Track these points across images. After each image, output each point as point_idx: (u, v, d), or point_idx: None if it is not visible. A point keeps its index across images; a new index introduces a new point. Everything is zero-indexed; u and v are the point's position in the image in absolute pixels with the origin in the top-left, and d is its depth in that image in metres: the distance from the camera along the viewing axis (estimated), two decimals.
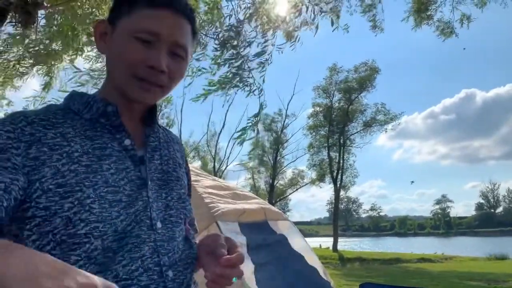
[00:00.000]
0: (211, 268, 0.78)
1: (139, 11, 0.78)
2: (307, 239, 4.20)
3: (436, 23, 8.04)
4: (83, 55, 5.22)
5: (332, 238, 26.46)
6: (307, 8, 5.25)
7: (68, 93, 0.88)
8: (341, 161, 27.64)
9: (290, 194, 33.59)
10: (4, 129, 0.70)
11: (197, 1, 5.03)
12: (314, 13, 5.26)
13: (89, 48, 5.19)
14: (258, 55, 4.78)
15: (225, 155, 30.62)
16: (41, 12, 4.82)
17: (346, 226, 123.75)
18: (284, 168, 32.02)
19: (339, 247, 26.19)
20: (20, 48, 4.99)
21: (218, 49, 4.85)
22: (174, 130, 26.56)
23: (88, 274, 0.47)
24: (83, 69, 5.34)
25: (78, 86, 4.99)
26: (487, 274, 12.15)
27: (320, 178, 28.85)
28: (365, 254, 22.81)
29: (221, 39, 4.91)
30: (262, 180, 33.37)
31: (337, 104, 28.26)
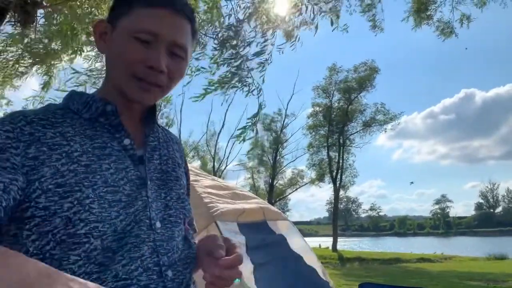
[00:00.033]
0: (210, 270, 0.78)
1: (138, 10, 0.78)
2: (307, 239, 4.20)
3: (436, 23, 8.05)
4: (83, 55, 5.21)
5: (332, 238, 26.48)
6: (307, 7, 5.25)
7: (67, 93, 0.88)
8: (341, 161, 27.67)
9: (289, 194, 33.62)
10: (3, 129, 0.70)
11: (196, 0, 5.04)
12: (313, 12, 5.26)
13: (88, 48, 5.19)
14: (257, 54, 4.78)
15: (224, 154, 30.66)
16: (40, 12, 4.82)
17: (345, 226, 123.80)
18: (284, 168, 32.07)
19: (339, 247, 26.20)
20: (20, 47, 4.99)
21: (217, 48, 4.84)
22: (174, 130, 26.60)
23: (81, 280, 0.47)
24: (81, 69, 5.35)
25: (76, 86, 4.99)
26: (486, 274, 12.16)
27: (320, 178, 28.87)
28: (364, 254, 22.82)
29: (221, 38, 4.91)
30: (261, 180, 33.40)
31: (336, 104, 28.29)
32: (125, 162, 0.78)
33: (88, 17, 4.80)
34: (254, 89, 4.67)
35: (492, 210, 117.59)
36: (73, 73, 5.04)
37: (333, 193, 28.33)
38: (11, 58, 5.18)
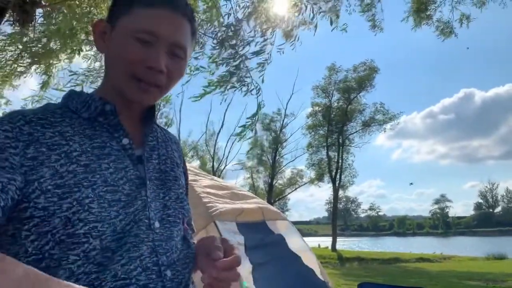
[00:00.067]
0: (208, 271, 0.78)
1: (138, 10, 0.78)
2: (306, 238, 4.21)
3: (435, 23, 8.05)
4: (81, 54, 5.21)
5: (331, 237, 26.51)
6: (306, 7, 5.25)
7: (66, 92, 0.88)
8: (340, 161, 27.71)
9: (289, 193, 33.64)
10: (2, 128, 0.70)
11: (195, 0, 5.03)
12: (313, 12, 5.26)
13: (87, 47, 5.18)
14: (256, 53, 4.78)
15: (224, 154, 30.66)
16: (39, 11, 4.81)
17: (345, 225, 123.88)
18: (283, 168, 32.11)
19: (338, 247, 26.24)
20: (19, 46, 4.98)
21: (216, 48, 4.84)
22: (173, 130, 26.61)
23: (76, 286, 0.47)
24: (79, 69, 5.34)
25: (74, 86, 4.99)
26: (485, 274, 12.18)
27: (319, 178, 28.91)
28: (363, 253, 22.86)
29: (220, 38, 4.91)
30: (261, 180, 33.43)
31: (336, 104, 28.33)
32: (124, 161, 0.78)
33: (87, 16, 4.80)
34: (253, 89, 4.67)
35: (491, 210, 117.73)
36: (71, 74, 5.04)
37: (332, 193, 28.39)
38: (10, 58, 5.18)
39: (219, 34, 4.98)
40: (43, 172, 0.69)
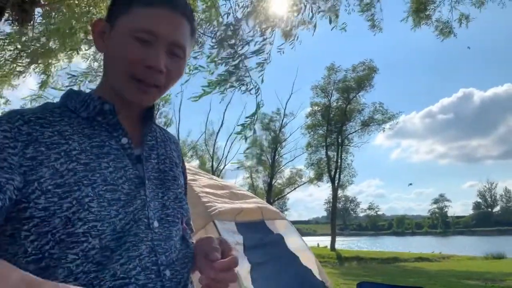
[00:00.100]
0: (206, 272, 0.78)
1: (137, 10, 0.78)
2: (305, 238, 4.21)
3: (434, 23, 8.05)
4: (80, 53, 5.21)
5: (330, 237, 26.53)
6: (305, 6, 5.24)
7: (64, 91, 0.88)
8: (339, 160, 27.71)
9: (288, 193, 33.65)
10: (1, 129, 0.69)
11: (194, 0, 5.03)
12: (312, 11, 5.26)
13: (86, 47, 5.18)
14: (255, 52, 4.78)
15: (223, 154, 30.65)
16: (38, 10, 4.81)
17: (344, 225, 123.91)
18: (282, 167, 32.11)
19: (337, 246, 26.26)
20: (18, 46, 4.98)
21: (215, 47, 4.84)
22: (172, 129, 26.58)
23: (66, 285, 0.47)
24: (78, 68, 5.34)
25: (73, 85, 4.98)
26: (484, 273, 12.19)
27: (318, 177, 28.92)
28: (362, 253, 22.88)
29: (219, 37, 4.90)
30: (260, 179, 33.43)
31: (335, 104, 28.35)
32: (123, 161, 0.78)
33: (86, 16, 4.79)
34: (252, 88, 4.67)
35: (490, 210, 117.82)
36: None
37: (331, 192, 28.38)
38: (9, 57, 5.17)
39: (218, 34, 4.98)
40: (43, 172, 0.68)
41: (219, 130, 30.60)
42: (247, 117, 4.52)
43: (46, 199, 0.67)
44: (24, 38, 4.86)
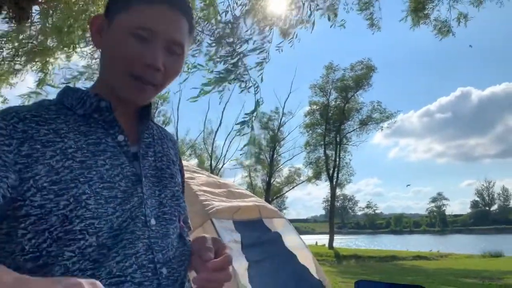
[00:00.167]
0: (200, 272, 0.78)
1: (136, 6, 0.77)
2: (304, 236, 4.22)
3: (433, 22, 8.05)
4: (77, 50, 5.18)
5: (328, 235, 26.56)
6: (303, 4, 5.23)
7: (61, 89, 0.87)
8: (337, 159, 27.75)
9: (286, 192, 33.68)
10: None
11: None
12: (310, 9, 5.25)
13: (82, 44, 5.15)
14: (254, 50, 4.77)
15: (221, 153, 30.65)
16: (35, 8, 4.79)
17: (342, 223, 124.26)
18: (281, 166, 32.13)
19: (335, 245, 26.30)
20: (15, 44, 4.96)
21: (213, 45, 4.83)
22: (171, 128, 26.58)
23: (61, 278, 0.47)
24: (75, 65, 5.32)
25: (68, 82, 4.97)
26: (482, 272, 12.24)
27: (317, 176, 28.96)
28: (360, 251, 22.91)
29: (217, 35, 4.89)
30: (259, 178, 33.45)
31: (333, 103, 28.38)
32: (120, 158, 0.78)
33: (84, 13, 4.78)
34: (250, 86, 4.66)
35: (487, 208, 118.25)
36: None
37: (329, 191, 28.41)
38: (7, 55, 5.15)
39: (216, 32, 4.97)
40: (38, 170, 0.68)
41: (217, 129, 30.57)
42: (246, 114, 4.50)
43: (41, 197, 0.67)
44: (22, 36, 4.84)
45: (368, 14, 7.82)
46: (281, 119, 30.45)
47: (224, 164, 30.39)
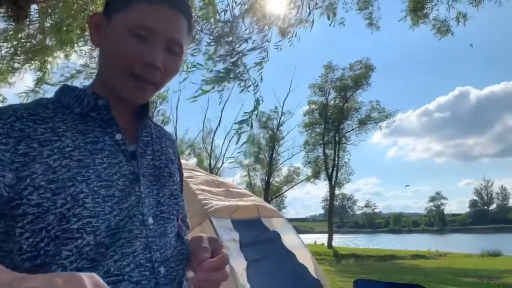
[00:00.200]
0: (196, 272, 0.78)
1: (136, 5, 0.77)
2: (302, 235, 4.22)
3: (432, 22, 8.04)
4: (76, 49, 5.18)
5: (327, 234, 26.58)
6: (302, 3, 5.23)
7: (59, 87, 0.87)
8: (336, 159, 27.76)
9: (285, 191, 33.67)
10: None
11: None
12: (309, 8, 5.24)
13: (80, 43, 5.15)
14: (254, 49, 4.76)
15: (221, 152, 30.63)
16: (34, 7, 4.78)
17: (341, 222, 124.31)
18: (280, 165, 32.12)
19: (334, 244, 26.32)
20: (14, 43, 4.95)
21: (212, 44, 4.82)
22: (170, 127, 26.56)
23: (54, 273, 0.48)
24: (73, 64, 5.31)
25: (65, 81, 4.97)
26: (480, 271, 12.26)
27: (316, 175, 28.98)
28: (359, 250, 22.93)
29: (216, 34, 4.89)
30: (258, 178, 33.45)
31: (332, 102, 28.39)
32: (117, 157, 0.78)
33: (83, 12, 4.77)
34: (250, 85, 4.65)
35: (486, 207, 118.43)
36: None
37: (328, 190, 28.43)
38: (5, 54, 5.14)
39: (215, 31, 4.96)
40: (35, 168, 0.68)
41: (216, 128, 30.58)
42: (245, 113, 4.49)
43: (39, 195, 0.67)
44: (20, 35, 4.83)
45: (367, 13, 7.81)
46: (280, 119, 30.47)
47: (223, 163, 30.40)
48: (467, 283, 9.73)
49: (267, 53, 4.92)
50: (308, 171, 29.84)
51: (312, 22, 5.34)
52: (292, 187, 32.89)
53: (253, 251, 3.07)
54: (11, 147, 0.68)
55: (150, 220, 0.78)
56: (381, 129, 28.61)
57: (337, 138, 27.79)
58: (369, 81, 27.16)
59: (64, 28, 4.65)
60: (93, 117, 0.80)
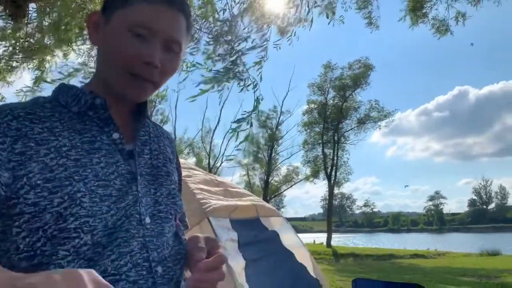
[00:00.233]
0: (192, 273, 0.78)
1: (135, 4, 0.77)
2: (302, 235, 4.23)
3: (431, 21, 8.05)
4: (75, 48, 5.17)
5: (326, 233, 26.62)
6: (301, 1, 5.22)
7: (57, 86, 0.87)
8: (335, 158, 27.80)
9: (284, 190, 33.71)
10: None
11: None
12: (308, 6, 5.24)
13: (79, 42, 5.14)
14: (253, 48, 4.76)
15: (220, 151, 30.64)
16: (32, 6, 4.77)
17: (340, 222, 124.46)
18: (279, 165, 32.14)
19: (333, 243, 26.36)
20: (12, 42, 4.94)
21: (211, 43, 4.82)
22: (169, 127, 26.54)
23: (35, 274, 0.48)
24: (71, 63, 5.31)
25: (64, 78, 4.96)
26: (479, 270, 12.29)
27: (315, 175, 29.02)
28: (358, 249, 22.97)
29: (215, 33, 4.88)
30: (257, 177, 33.48)
31: (331, 101, 28.42)
32: (115, 156, 0.78)
33: (82, 11, 4.76)
34: (249, 84, 4.65)
35: (485, 207, 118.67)
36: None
37: (327, 189, 28.47)
38: (4, 53, 5.13)
39: (214, 30, 4.96)
40: (32, 167, 0.68)
41: (215, 128, 30.64)
42: (245, 111, 4.49)
43: (35, 194, 0.66)
44: (18, 33, 4.82)
45: (366, 12, 7.82)
46: (279, 118, 30.48)
47: (222, 162, 30.42)
48: (466, 283, 9.74)
49: (266, 52, 4.91)
50: (307, 171, 29.93)
51: (311, 21, 5.34)
52: (291, 186, 32.95)
53: (252, 251, 3.07)
54: (8, 146, 0.67)
55: (148, 220, 0.78)
56: (380, 128, 28.71)
57: (336, 138, 27.83)
58: (368, 80, 27.25)
59: (63, 27, 4.64)
60: (91, 116, 0.79)
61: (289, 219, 4.15)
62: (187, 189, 3.08)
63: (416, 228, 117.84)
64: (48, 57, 5.21)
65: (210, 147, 30.48)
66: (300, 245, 3.84)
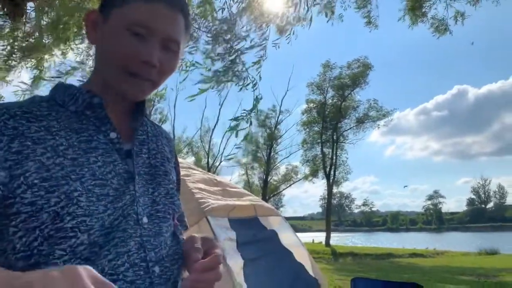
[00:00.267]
0: (189, 273, 0.78)
1: (132, 3, 0.76)
2: (300, 234, 4.23)
3: (430, 20, 8.05)
4: (72, 46, 5.16)
5: (325, 233, 26.64)
6: (300, 0, 5.21)
7: (54, 85, 0.87)
8: (334, 157, 27.82)
9: (283, 189, 33.71)
10: None
11: None
12: (307, 5, 5.23)
13: (77, 41, 5.13)
14: (252, 47, 4.76)
15: (219, 151, 30.62)
16: (30, 5, 4.76)
17: (338, 221, 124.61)
18: (278, 164, 32.14)
19: (332, 242, 26.39)
20: (10, 41, 4.92)
21: (210, 42, 4.82)
22: (167, 126, 26.52)
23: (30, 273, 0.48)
24: (69, 61, 5.30)
25: (62, 76, 4.96)
26: (477, 269, 12.31)
27: (313, 174, 29.03)
28: (357, 249, 22.99)
29: (214, 32, 4.88)
30: (256, 176, 33.47)
31: (330, 101, 28.44)
32: (112, 155, 0.77)
33: (80, 10, 4.75)
34: (248, 83, 4.64)
35: (483, 206, 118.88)
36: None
37: (326, 189, 28.49)
38: (2, 52, 5.12)
39: (213, 29, 4.95)
40: (28, 166, 0.67)
41: (214, 127, 30.54)
42: (244, 110, 4.48)
43: (32, 193, 0.66)
44: (16, 32, 4.81)
45: (365, 12, 7.81)
46: (278, 117, 30.47)
47: (221, 161, 30.40)
48: (464, 281, 9.76)
49: (265, 51, 4.91)
50: (306, 170, 29.93)
51: (310, 20, 5.34)
52: (290, 185, 32.98)
53: (250, 250, 3.07)
54: (4, 145, 0.67)
55: (145, 219, 0.77)
56: (379, 127, 28.72)
57: (335, 137, 27.84)
58: (367, 79, 27.27)
59: (61, 26, 4.63)
60: (88, 115, 0.79)
61: (288, 218, 4.15)
62: (186, 189, 3.08)
63: (414, 227, 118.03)
64: (47, 56, 5.20)
65: (209, 146, 30.48)
66: (298, 244, 3.84)
